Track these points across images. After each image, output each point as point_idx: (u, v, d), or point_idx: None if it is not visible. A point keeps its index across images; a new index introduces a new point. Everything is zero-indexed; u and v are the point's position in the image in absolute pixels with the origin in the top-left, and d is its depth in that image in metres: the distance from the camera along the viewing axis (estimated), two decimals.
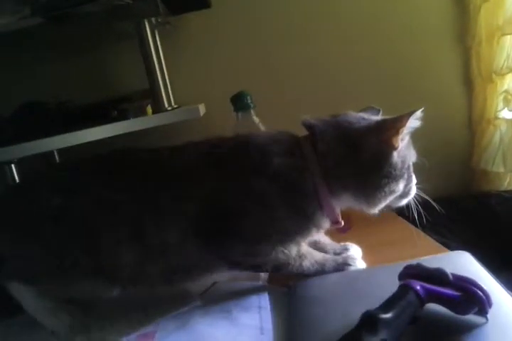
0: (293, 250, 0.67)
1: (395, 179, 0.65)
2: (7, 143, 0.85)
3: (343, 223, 0.70)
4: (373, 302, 0.56)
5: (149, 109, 1.02)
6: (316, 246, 0.76)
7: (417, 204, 0.70)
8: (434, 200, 0.73)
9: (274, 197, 0.64)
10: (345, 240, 0.78)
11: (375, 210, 0.68)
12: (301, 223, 0.66)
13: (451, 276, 0.51)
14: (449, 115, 1.17)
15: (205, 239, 0.65)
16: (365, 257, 0.74)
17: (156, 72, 0.99)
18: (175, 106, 1.05)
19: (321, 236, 0.77)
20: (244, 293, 0.69)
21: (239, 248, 0.65)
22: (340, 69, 1.16)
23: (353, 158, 0.65)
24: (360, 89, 1.13)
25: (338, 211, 0.69)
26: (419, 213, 0.70)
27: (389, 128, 0.64)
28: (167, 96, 1.03)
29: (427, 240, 0.80)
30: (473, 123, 1.16)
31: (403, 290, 0.50)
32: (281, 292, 0.68)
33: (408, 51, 1.15)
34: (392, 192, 0.66)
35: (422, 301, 0.49)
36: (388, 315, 0.45)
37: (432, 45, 1.15)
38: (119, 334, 0.65)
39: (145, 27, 0.98)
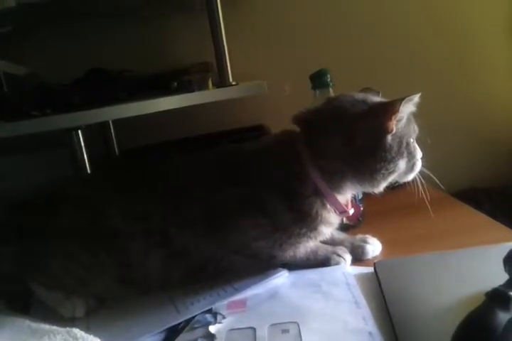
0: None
1: (392, 161, 0.65)
2: (76, 109, 0.83)
3: (352, 211, 0.71)
4: (469, 283, 0.58)
5: (210, 83, 1.00)
6: (334, 242, 0.76)
7: (421, 180, 0.70)
8: None
9: (276, 204, 0.66)
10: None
11: (380, 190, 0.69)
12: (308, 225, 0.67)
13: None
14: None
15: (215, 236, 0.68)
16: (384, 250, 0.75)
17: (223, 45, 0.97)
18: (233, 82, 1.03)
19: (336, 233, 0.77)
20: (327, 270, 0.70)
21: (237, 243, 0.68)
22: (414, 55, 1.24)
23: (348, 146, 0.65)
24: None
25: (343, 201, 0.70)
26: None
27: (382, 114, 0.64)
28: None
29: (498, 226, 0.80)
30: None
31: None
32: (364, 271, 0.69)
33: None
34: (391, 172, 0.66)
35: None
36: None
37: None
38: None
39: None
